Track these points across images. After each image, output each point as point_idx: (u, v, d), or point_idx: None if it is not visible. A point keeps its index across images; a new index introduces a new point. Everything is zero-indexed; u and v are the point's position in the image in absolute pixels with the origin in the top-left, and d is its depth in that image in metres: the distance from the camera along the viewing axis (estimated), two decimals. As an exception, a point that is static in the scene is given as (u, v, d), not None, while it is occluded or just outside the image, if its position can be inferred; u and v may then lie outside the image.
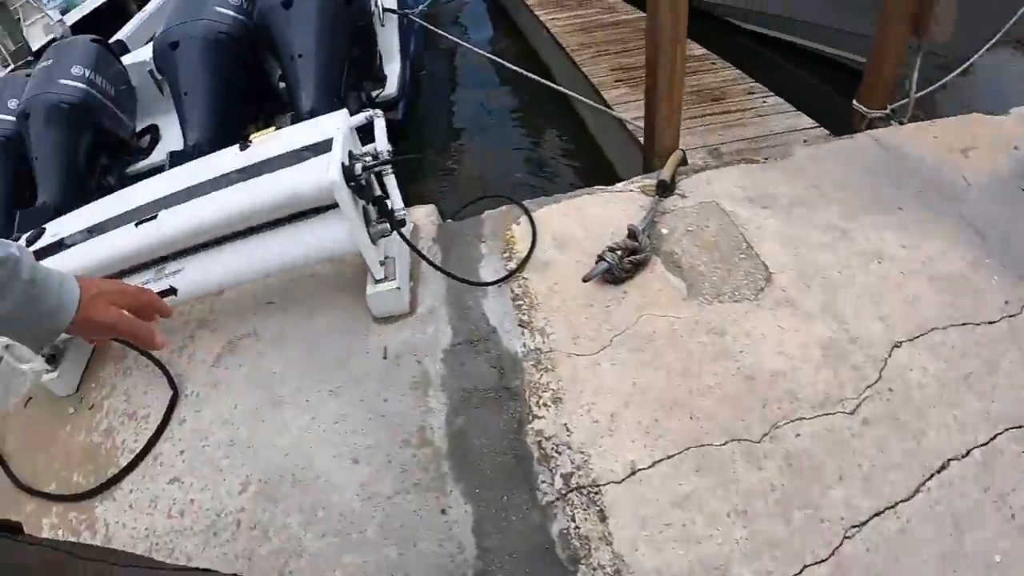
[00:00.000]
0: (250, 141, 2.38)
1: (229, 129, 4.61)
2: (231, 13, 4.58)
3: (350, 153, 2.14)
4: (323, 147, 2.15)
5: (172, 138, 4.90)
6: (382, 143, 2.15)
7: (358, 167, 2.02)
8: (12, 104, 5.38)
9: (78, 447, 2.38)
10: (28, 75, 5.51)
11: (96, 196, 5.45)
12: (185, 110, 4.50)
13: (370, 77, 4.82)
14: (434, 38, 6.36)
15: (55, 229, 2.62)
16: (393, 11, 5.09)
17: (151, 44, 4.84)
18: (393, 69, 5.05)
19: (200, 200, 2.29)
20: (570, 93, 3.65)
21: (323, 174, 1.99)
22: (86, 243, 2.49)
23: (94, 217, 2.55)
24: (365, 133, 2.30)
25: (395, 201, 2.20)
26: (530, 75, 3.75)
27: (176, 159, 4.19)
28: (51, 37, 8.11)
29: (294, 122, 3.91)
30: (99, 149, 5.51)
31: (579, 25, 5.26)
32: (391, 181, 2.19)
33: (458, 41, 4.78)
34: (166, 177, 2.55)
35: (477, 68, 6.13)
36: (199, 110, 4.45)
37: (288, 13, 4.16)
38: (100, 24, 7.18)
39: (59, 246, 2.50)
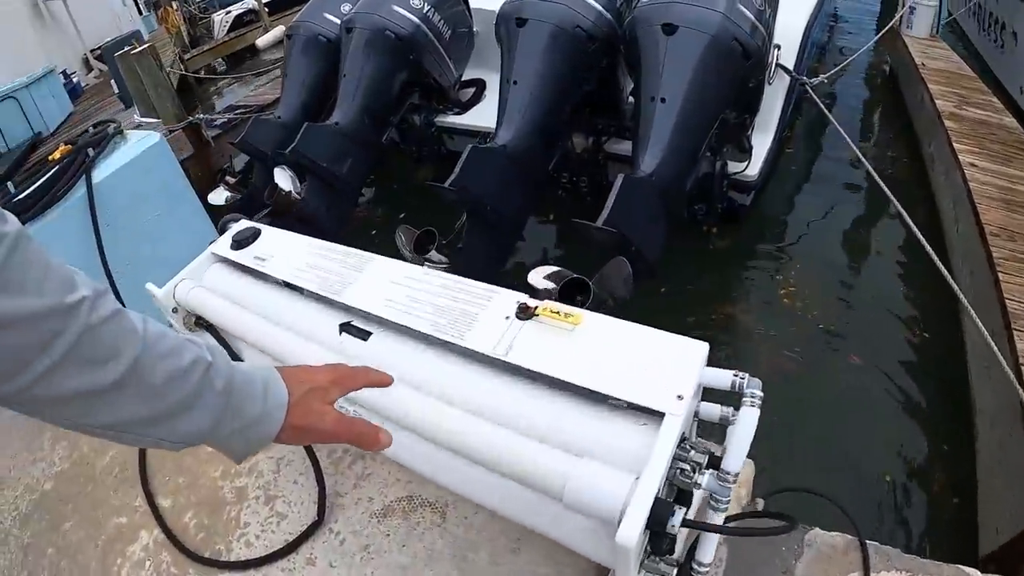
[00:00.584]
0: (535, 312, 1.47)
1: (550, 139, 3.84)
2: (598, 8, 3.69)
3: (683, 438, 1.17)
4: (634, 411, 1.20)
5: (495, 103, 4.15)
6: (735, 461, 1.13)
7: (675, 520, 1.02)
8: (345, 8, 4.95)
9: (207, 482, 2.14)
10: (371, -19, 5.04)
11: (394, 135, 5.03)
12: (508, 100, 3.70)
13: (734, 142, 3.79)
14: (807, 110, 5.06)
15: (266, 247, 2.05)
16: (788, 72, 3.97)
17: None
18: (763, 143, 3.96)
19: (428, 360, 1.51)
20: (966, 304, 2.37)
21: (614, 509, 1.04)
22: (277, 303, 1.87)
23: (304, 271, 1.88)
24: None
25: (704, 552, 1.20)
26: (915, 231, 2.57)
27: (474, 158, 3.45)
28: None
29: (626, 185, 3.06)
30: (413, 87, 5.08)
31: (1002, 190, 3.57)
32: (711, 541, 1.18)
33: (840, 130, 3.63)
34: (402, 275, 1.71)
35: (842, 166, 4.69)
36: (524, 106, 3.63)
37: (667, 42, 3.18)
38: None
39: (252, 273, 2.04)
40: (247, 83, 10.18)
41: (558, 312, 1.42)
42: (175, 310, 2.05)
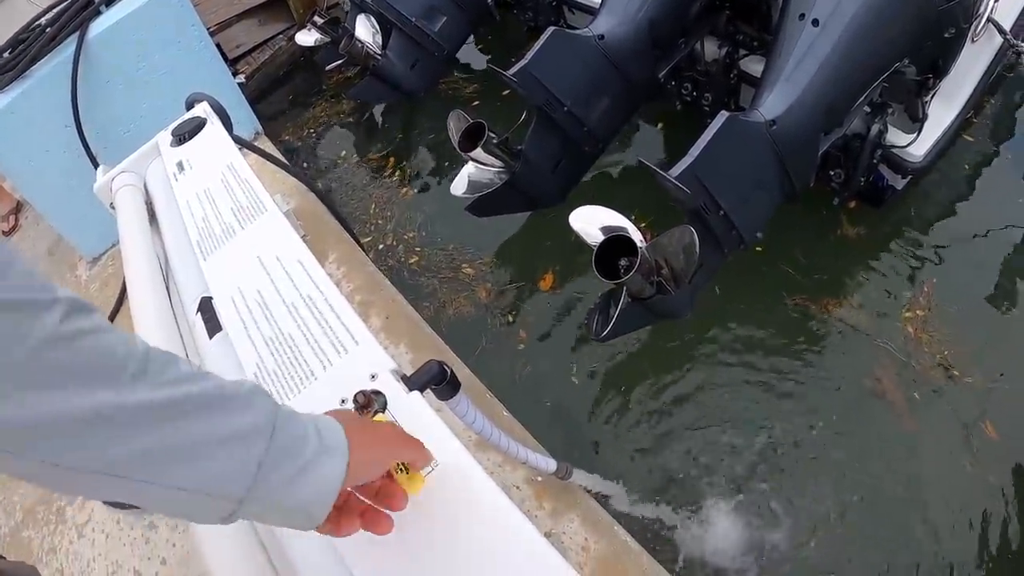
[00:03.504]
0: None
1: (667, 38, 3.01)
2: None
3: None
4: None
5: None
6: None
7: None
8: None
9: None
10: None
11: None
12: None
13: (904, 104, 2.85)
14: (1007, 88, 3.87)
15: (195, 151, 1.81)
16: (1002, 31, 2.95)
17: None
18: (942, 118, 2.98)
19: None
20: None
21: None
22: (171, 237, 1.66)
23: (200, 203, 1.62)
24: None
25: None
26: None
27: (555, 44, 2.69)
28: None
29: (728, 128, 2.17)
30: None
31: None
32: None
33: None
34: (275, 254, 1.35)
35: None
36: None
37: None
38: None
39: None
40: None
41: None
42: (112, 206, 1.82)
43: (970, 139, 3.55)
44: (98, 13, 3.56)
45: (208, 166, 1.67)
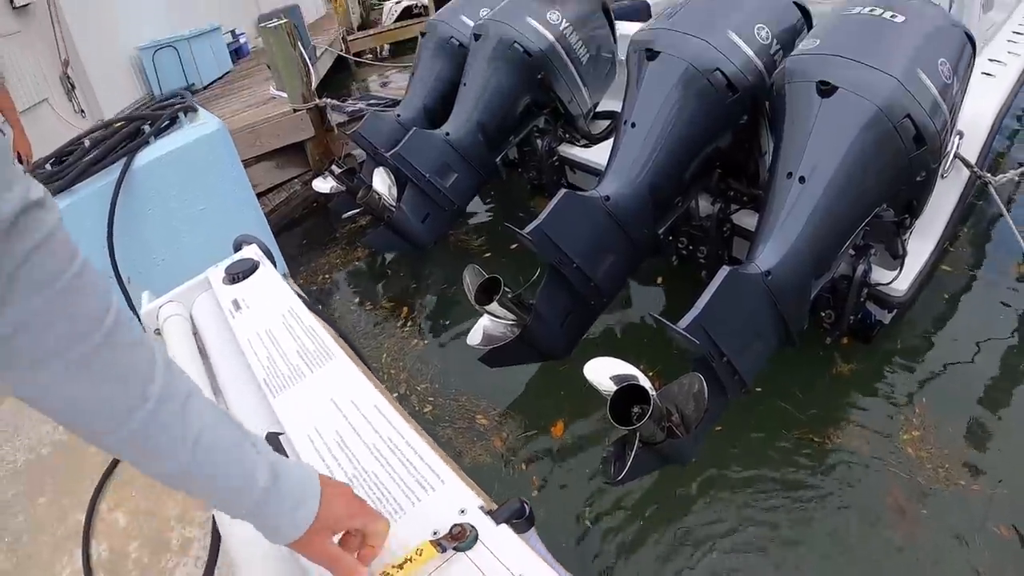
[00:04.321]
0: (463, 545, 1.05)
1: (666, 198, 3.27)
2: (748, 53, 3.07)
3: None
4: None
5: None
6: None
7: None
8: (483, 13, 4.59)
9: (163, 518, 2.15)
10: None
11: (510, 157, 4.66)
12: (622, 144, 3.16)
13: (884, 244, 3.06)
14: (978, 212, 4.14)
15: (251, 290, 1.85)
16: (969, 166, 3.20)
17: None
18: (921, 253, 3.22)
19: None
20: None
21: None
22: (229, 372, 1.64)
23: (263, 342, 1.63)
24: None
25: None
26: None
27: (566, 205, 2.92)
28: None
29: (730, 283, 2.38)
30: (539, 109, 4.70)
31: None
32: None
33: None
34: (350, 397, 1.39)
35: (1016, 294, 3.69)
36: (638, 156, 3.08)
37: (820, 105, 2.56)
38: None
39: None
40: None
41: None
42: (157, 332, 1.86)
43: (948, 268, 3.77)
44: (147, 143, 3.66)
45: (267, 308, 1.73)
